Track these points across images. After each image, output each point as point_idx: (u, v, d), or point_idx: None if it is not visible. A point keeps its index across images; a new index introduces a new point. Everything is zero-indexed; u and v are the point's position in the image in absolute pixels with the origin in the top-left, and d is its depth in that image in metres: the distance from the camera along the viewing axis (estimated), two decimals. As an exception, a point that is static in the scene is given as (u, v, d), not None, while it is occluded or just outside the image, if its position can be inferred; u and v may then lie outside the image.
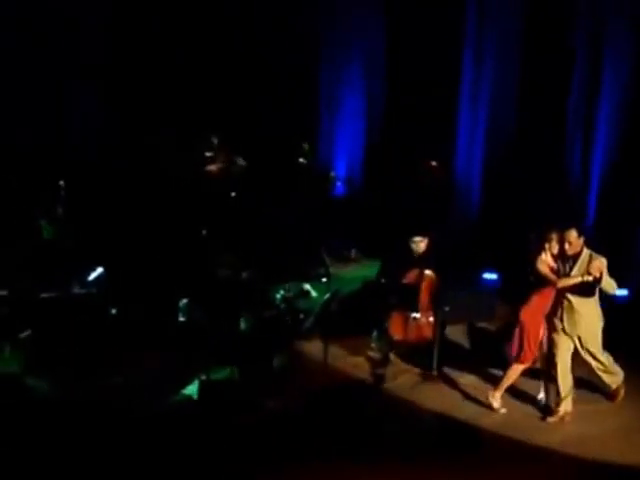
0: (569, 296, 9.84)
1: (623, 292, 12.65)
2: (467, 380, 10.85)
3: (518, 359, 10.02)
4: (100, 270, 11.57)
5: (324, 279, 11.68)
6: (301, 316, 11.44)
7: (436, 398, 10.52)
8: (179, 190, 13.96)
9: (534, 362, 10.14)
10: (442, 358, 11.04)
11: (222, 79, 15.51)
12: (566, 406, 10.08)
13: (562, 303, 9.89)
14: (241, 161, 14.21)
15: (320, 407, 10.10)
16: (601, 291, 9.87)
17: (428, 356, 10.97)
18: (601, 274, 9.69)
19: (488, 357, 11.08)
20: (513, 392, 10.39)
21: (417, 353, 11.17)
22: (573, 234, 9.76)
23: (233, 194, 13.81)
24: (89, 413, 9.75)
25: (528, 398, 10.38)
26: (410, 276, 11.16)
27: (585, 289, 9.80)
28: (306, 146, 14.85)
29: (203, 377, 10.30)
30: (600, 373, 10.19)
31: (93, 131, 15.26)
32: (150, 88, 15.36)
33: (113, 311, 11.54)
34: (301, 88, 15.70)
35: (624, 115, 13.90)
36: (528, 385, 10.43)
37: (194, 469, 8.87)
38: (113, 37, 15.37)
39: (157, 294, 11.97)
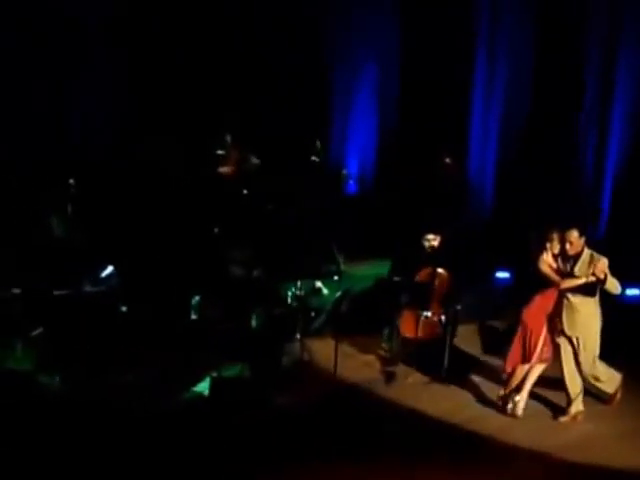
0: (570, 295, 9.79)
1: (635, 292, 12.64)
2: (477, 379, 10.83)
3: (525, 360, 10.00)
4: (111, 268, 11.58)
5: (336, 277, 11.67)
6: (312, 314, 11.45)
7: (444, 397, 10.51)
8: (191, 188, 13.97)
9: (546, 359, 10.11)
10: (452, 357, 11.04)
11: (235, 78, 15.51)
12: (577, 406, 10.05)
13: (562, 302, 9.85)
14: (254, 159, 14.22)
15: (327, 406, 10.11)
16: (604, 292, 9.81)
17: (439, 354, 10.95)
18: (605, 275, 9.65)
19: (499, 356, 11.05)
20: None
21: (428, 351, 11.16)
22: (574, 234, 9.70)
23: (245, 192, 13.81)
24: (99, 411, 9.76)
25: (535, 399, 10.32)
26: (422, 274, 11.13)
27: (587, 289, 9.75)
28: (318, 144, 14.84)
29: (214, 374, 10.33)
30: (593, 382, 10.11)
31: (93, 131, 15.25)
32: (160, 86, 15.36)
33: (124, 309, 11.57)
34: (314, 86, 15.69)
35: (638, 113, 13.87)
36: (536, 387, 10.36)
37: (194, 469, 8.85)
38: (113, 37, 15.37)
39: (168, 291, 12.00)
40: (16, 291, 10.89)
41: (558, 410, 10.16)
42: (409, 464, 9.00)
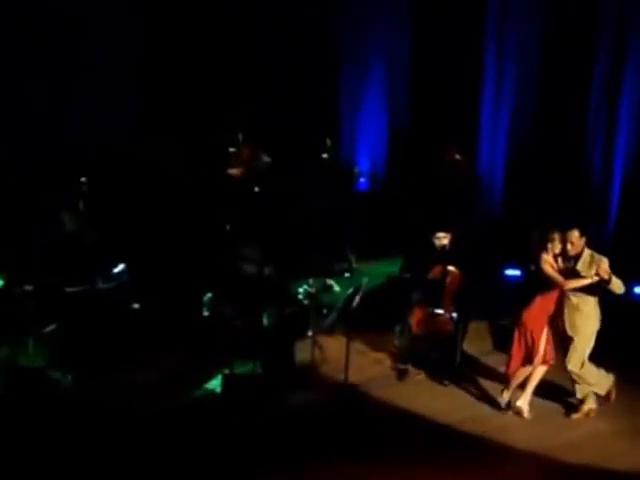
0: (571, 295, 9.80)
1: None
2: (484, 378, 10.84)
3: (527, 361, 10.00)
4: (123, 265, 11.59)
5: (347, 274, 11.68)
6: (324, 311, 11.45)
7: (450, 395, 10.55)
8: (202, 186, 13.99)
9: (549, 360, 10.08)
10: (463, 355, 11.05)
11: (245, 76, 15.52)
12: (590, 404, 10.05)
13: (564, 303, 9.84)
14: (265, 157, 14.22)
15: (334, 405, 10.14)
16: (605, 292, 9.80)
17: (450, 352, 10.96)
18: (610, 275, 9.63)
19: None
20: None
21: (439, 349, 11.16)
22: (575, 234, 9.71)
23: (257, 190, 13.82)
24: (109, 409, 9.81)
25: (536, 400, 10.31)
26: (434, 272, 11.15)
27: (589, 289, 9.76)
28: (329, 142, 14.84)
29: (226, 371, 10.34)
30: (575, 378, 10.05)
31: (93, 131, 15.25)
32: (163, 85, 15.39)
33: (136, 306, 11.59)
34: (325, 85, 15.69)
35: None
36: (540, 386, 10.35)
37: (194, 469, 8.87)
38: (114, 37, 15.38)
39: (180, 289, 12.02)
40: (28, 288, 10.90)
41: (570, 408, 10.17)
42: (409, 464, 9.01)
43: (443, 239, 11.27)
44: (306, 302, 11.58)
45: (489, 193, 15.29)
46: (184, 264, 12.40)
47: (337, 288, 12.36)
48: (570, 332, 9.84)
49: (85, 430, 9.35)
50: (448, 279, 11.12)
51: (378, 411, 10.17)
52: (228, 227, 13.20)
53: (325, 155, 14.73)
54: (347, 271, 11.77)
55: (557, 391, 10.37)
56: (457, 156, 14.87)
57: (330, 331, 11.47)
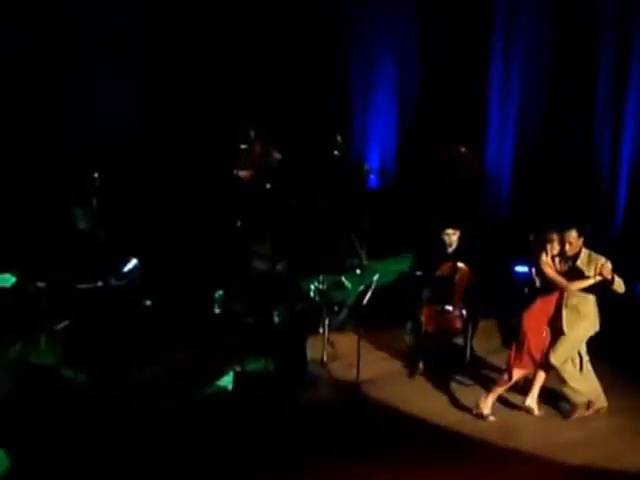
0: (570, 295, 9.74)
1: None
2: (490, 377, 10.78)
3: (518, 364, 9.89)
4: (135, 262, 11.63)
5: (358, 271, 11.68)
6: (335, 308, 11.48)
7: (457, 394, 10.52)
8: (213, 182, 14.02)
9: (533, 369, 10.00)
10: (473, 353, 11.06)
11: (255, 74, 15.53)
12: (602, 402, 10.02)
13: (562, 303, 9.77)
14: (276, 154, 14.24)
15: (339, 403, 10.18)
16: (610, 291, 9.76)
17: (460, 349, 10.98)
18: (613, 275, 9.60)
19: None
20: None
21: (448, 346, 11.18)
22: (573, 234, 9.65)
23: (268, 186, 13.85)
24: (120, 405, 9.85)
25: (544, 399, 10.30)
26: (443, 269, 11.14)
27: (587, 288, 9.72)
28: (339, 139, 14.85)
29: (238, 369, 10.37)
30: (558, 372, 9.95)
31: (93, 130, 15.28)
32: (171, 83, 15.42)
33: (148, 303, 11.63)
34: (335, 82, 15.71)
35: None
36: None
37: (194, 469, 8.88)
38: (115, 37, 15.39)
39: (191, 286, 12.05)
40: (40, 285, 10.94)
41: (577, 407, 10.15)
42: (409, 464, 9.00)
43: (452, 236, 11.27)
44: (317, 299, 11.58)
45: (496, 191, 15.29)
46: (195, 261, 12.43)
47: (348, 285, 12.37)
48: (565, 329, 9.79)
49: (97, 427, 9.38)
50: (457, 276, 11.10)
51: (384, 409, 10.15)
52: (239, 224, 13.22)
53: (336, 152, 14.76)
54: (358, 268, 11.75)
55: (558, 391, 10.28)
56: (463, 149, 14.90)
57: (341, 328, 11.50)
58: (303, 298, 11.56)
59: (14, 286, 10.97)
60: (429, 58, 15.50)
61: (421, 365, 11.00)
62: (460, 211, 13.30)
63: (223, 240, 12.95)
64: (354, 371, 10.53)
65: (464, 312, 11.03)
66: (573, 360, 9.89)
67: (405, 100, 15.84)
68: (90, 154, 14.16)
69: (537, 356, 9.87)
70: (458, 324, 11.05)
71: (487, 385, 10.47)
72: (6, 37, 14.50)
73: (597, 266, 9.62)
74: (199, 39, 15.37)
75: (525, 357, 9.86)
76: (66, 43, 14.99)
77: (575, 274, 9.72)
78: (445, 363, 11.02)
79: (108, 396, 10.03)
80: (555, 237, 9.75)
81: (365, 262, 11.67)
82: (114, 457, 8.93)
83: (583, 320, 9.79)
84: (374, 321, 11.15)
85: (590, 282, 9.64)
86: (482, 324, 11.45)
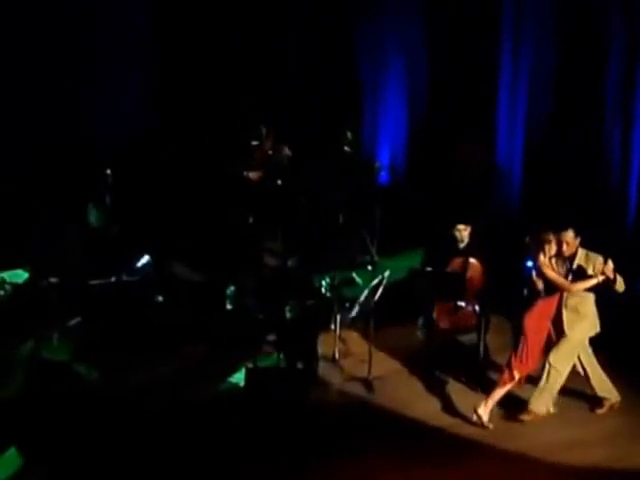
0: (570, 295, 9.68)
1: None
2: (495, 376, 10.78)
3: (518, 365, 9.74)
4: (147, 258, 11.65)
5: (369, 267, 11.68)
6: (347, 304, 11.48)
7: (463, 394, 10.47)
8: (225, 179, 14.04)
9: (530, 372, 9.92)
10: (486, 349, 11.03)
11: (266, 70, 15.57)
12: (613, 397, 10.01)
13: (562, 303, 9.71)
14: (286, 150, 14.27)
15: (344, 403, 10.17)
16: (611, 291, 9.69)
17: (473, 345, 10.96)
18: (615, 275, 9.54)
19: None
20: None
21: (461, 342, 11.17)
22: (570, 234, 9.57)
23: (279, 182, 13.88)
24: (132, 402, 9.88)
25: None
26: (455, 264, 11.12)
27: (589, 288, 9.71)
28: (349, 135, 14.88)
29: (250, 365, 10.38)
30: (548, 370, 9.82)
31: (105, 128, 15.31)
32: (184, 81, 15.45)
33: (160, 299, 11.64)
34: (346, 78, 15.73)
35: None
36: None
37: (194, 469, 8.88)
38: (119, 37, 15.42)
39: (204, 282, 12.06)
40: (53, 281, 10.96)
41: (595, 403, 10.13)
42: (409, 464, 8.98)
43: (463, 231, 11.25)
44: (328, 295, 11.58)
45: (507, 188, 15.29)
46: (207, 257, 12.45)
47: (359, 281, 12.36)
48: (567, 330, 9.75)
49: (109, 424, 9.40)
50: (469, 272, 11.08)
51: (390, 407, 10.12)
52: (250, 221, 13.24)
53: (346, 149, 14.79)
54: (369, 264, 11.76)
55: (562, 391, 10.14)
56: (473, 145, 14.92)
57: (352, 324, 11.49)
58: (314, 294, 11.55)
59: (27, 282, 11.00)
60: (438, 54, 15.54)
61: (431, 361, 10.96)
62: (471, 207, 13.29)
63: (235, 237, 12.96)
64: (365, 367, 10.55)
65: (477, 308, 11.00)
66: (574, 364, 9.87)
67: (415, 97, 15.89)
68: (103, 151, 14.21)
69: (538, 357, 9.80)
70: (471, 320, 11.01)
71: (493, 383, 10.47)
72: (6, 37, 14.52)
73: (596, 265, 9.55)
74: (211, 38, 15.44)
75: (526, 358, 9.76)
76: (78, 44, 15.08)
77: (575, 274, 9.66)
78: (458, 360, 10.98)
79: (120, 393, 10.04)
80: (552, 238, 9.64)
81: (376, 258, 11.66)
82: (126, 454, 8.95)
83: (583, 321, 9.72)
84: (385, 317, 11.12)
85: (593, 282, 9.53)
86: (493, 321, 11.43)
